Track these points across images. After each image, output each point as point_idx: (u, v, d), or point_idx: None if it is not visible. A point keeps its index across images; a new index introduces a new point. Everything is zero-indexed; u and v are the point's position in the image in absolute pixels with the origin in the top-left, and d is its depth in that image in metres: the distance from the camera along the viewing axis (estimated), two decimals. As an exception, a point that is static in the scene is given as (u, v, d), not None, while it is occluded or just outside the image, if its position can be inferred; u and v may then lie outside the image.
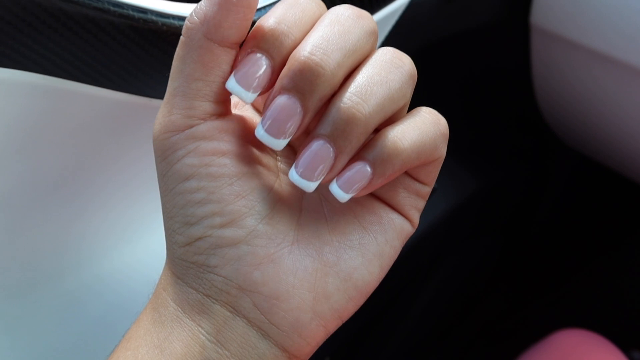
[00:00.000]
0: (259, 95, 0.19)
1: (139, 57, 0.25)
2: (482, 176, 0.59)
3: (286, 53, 0.19)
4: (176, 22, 0.24)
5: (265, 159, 0.21)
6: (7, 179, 0.26)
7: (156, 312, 0.20)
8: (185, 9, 0.25)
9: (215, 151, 0.19)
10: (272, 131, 0.18)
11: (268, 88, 0.19)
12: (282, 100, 0.18)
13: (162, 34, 0.24)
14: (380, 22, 0.35)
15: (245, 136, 0.20)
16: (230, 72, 0.19)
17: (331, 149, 0.18)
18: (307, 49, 0.18)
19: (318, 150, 0.18)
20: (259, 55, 0.18)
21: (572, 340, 0.44)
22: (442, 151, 0.20)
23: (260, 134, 0.19)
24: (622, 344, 0.46)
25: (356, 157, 0.19)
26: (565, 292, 0.79)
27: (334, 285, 0.20)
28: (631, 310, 0.73)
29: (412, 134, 0.19)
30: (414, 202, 0.21)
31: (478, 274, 0.72)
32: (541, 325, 0.60)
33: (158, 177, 0.20)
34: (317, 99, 0.18)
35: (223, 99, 0.20)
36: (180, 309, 0.20)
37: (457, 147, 0.61)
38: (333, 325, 0.20)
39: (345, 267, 0.20)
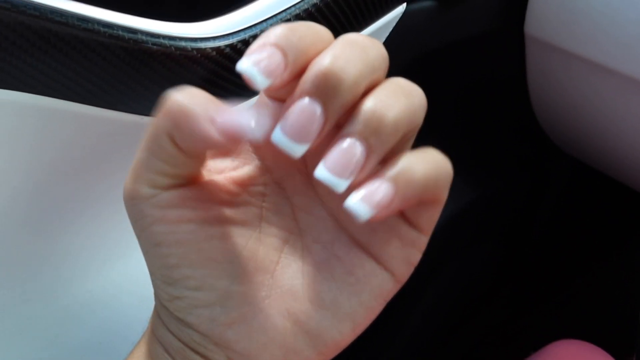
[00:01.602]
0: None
1: (130, 77, 0.25)
2: (479, 185, 0.59)
3: (303, 57, 0.18)
4: (166, 42, 0.24)
5: (242, 214, 0.21)
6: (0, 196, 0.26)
7: (147, 348, 0.22)
8: (175, 29, 0.25)
9: (181, 218, 0.19)
10: (293, 135, 0.17)
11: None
12: (304, 104, 0.17)
13: (153, 54, 0.24)
14: (375, 33, 0.35)
15: (215, 199, 0.20)
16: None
17: (362, 146, 0.17)
18: (329, 56, 0.17)
19: (349, 146, 0.17)
20: (275, 50, 0.17)
21: (570, 351, 0.44)
22: (446, 193, 0.20)
23: (279, 138, 0.17)
24: (620, 354, 0.46)
25: (375, 174, 0.18)
26: (564, 300, 0.78)
27: (304, 343, 0.20)
28: (629, 319, 0.73)
29: (426, 163, 0.19)
30: (407, 254, 0.20)
31: (478, 282, 0.72)
32: (540, 335, 0.60)
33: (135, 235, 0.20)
34: (339, 105, 0.17)
35: (187, 174, 0.19)
36: (166, 352, 0.21)
37: (454, 156, 0.61)
38: None
39: (315, 326, 0.20)
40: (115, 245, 0.33)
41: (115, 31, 0.23)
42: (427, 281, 0.61)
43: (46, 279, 0.31)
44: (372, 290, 0.20)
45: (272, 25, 0.27)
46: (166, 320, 0.21)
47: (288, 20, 0.28)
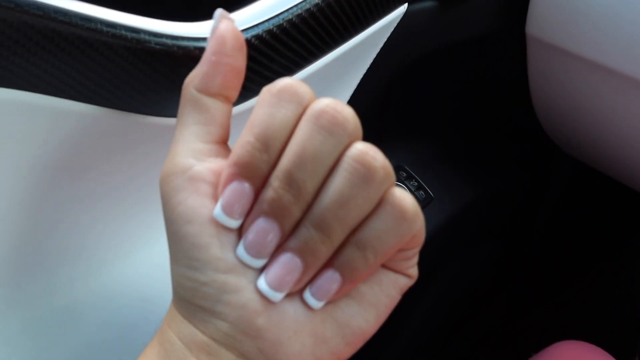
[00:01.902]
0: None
1: (132, 76, 0.25)
2: (480, 185, 0.59)
3: (266, 172, 0.19)
4: (169, 42, 0.24)
5: None
6: (1, 196, 0.26)
7: (162, 347, 0.21)
8: (177, 29, 0.25)
9: (213, 194, 0.20)
10: (252, 252, 0.20)
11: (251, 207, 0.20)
12: (261, 224, 0.19)
13: (155, 54, 0.24)
14: (376, 33, 0.35)
15: None
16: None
17: (300, 262, 0.19)
18: (283, 180, 0.19)
19: (288, 262, 0.19)
20: (240, 183, 0.19)
21: (571, 352, 0.44)
22: (414, 230, 0.20)
23: (240, 253, 0.20)
24: (621, 354, 0.46)
25: (326, 264, 0.20)
26: (565, 301, 0.78)
27: (332, 331, 0.21)
28: (631, 320, 0.73)
29: (375, 241, 0.19)
30: (405, 264, 0.22)
31: (478, 282, 0.72)
32: (541, 335, 0.60)
33: (165, 222, 0.21)
34: (293, 221, 0.19)
35: (218, 140, 0.21)
36: (187, 349, 0.20)
37: (454, 156, 0.61)
38: None
39: (342, 315, 0.21)
40: (118, 245, 0.33)
41: (118, 31, 0.23)
42: (428, 281, 0.61)
43: (48, 278, 0.31)
44: (390, 281, 0.22)
45: (274, 24, 0.27)
46: (188, 314, 0.20)
47: (290, 20, 0.28)
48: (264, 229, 0.19)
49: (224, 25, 0.21)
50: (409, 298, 0.61)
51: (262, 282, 0.20)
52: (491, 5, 0.47)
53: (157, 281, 0.34)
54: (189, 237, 0.20)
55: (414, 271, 0.22)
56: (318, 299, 0.20)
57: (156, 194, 0.32)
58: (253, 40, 0.27)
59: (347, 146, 0.19)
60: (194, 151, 0.20)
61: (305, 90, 0.20)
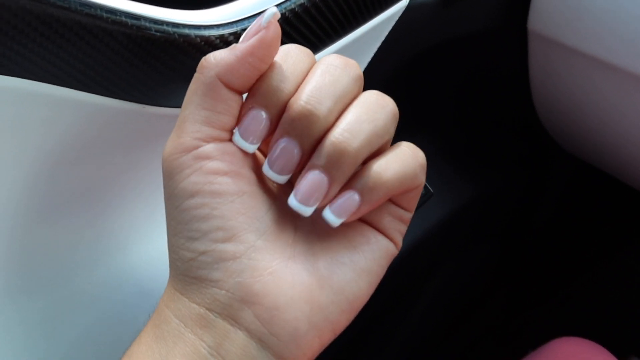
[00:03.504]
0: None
1: (132, 64, 0.24)
2: (479, 182, 0.59)
3: (282, 105, 0.21)
4: (170, 29, 0.24)
5: (264, 181, 0.23)
6: (1, 187, 0.26)
7: (158, 329, 0.21)
8: (178, 16, 0.25)
9: (218, 170, 0.21)
10: (277, 169, 0.21)
11: (269, 135, 0.22)
12: (283, 143, 0.21)
13: (156, 41, 0.24)
14: (377, 27, 0.35)
15: (247, 160, 0.22)
16: (235, 125, 0.22)
17: (325, 178, 0.21)
18: (303, 99, 0.21)
19: (314, 178, 0.21)
20: (259, 111, 0.21)
21: (569, 349, 0.44)
22: (422, 179, 0.23)
23: (267, 171, 0.22)
24: (619, 351, 0.46)
25: (346, 186, 0.22)
26: (564, 299, 0.78)
27: (329, 298, 0.22)
28: (629, 317, 0.73)
29: (394, 165, 0.22)
30: (397, 226, 0.23)
31: (476, 280, 0.72)
32: (539, 332, 0.60)
33: (165, 198, 0.22)
34: (313, 140, 0.21)
35: (228, 129, 0.22)
36: (182, 324, 0.21)
37: (454, 153, 0.61)
38: (327, 338, 0.22)
39: (338, 281, 0.22)
40: (117, 237, 0.33)
41: (118, 17, 0.23)
42: (426, 279, 0.61)
43: (47, 270, 0.30)
44: (380, 249, 0.23)
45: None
46: (184, 288, 0.21)
47: (292, 10, 0.28)
48: (286, 148, 0.21)
49: (273, 31, 0.21)
50: (406, 297, 0.61)
51: (292, 199, 0.21)
52: (493, 1, 0.46)
53: (155, 274, 0.33)
54: (190, 210, 0.21)
55: (401, 239, 0.24)
56: (337, 215, 0.22)
57: (156, 184, 0.32)
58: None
59: (354, 92, 0.22)
60: (202, 134, 0.21)
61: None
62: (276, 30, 0.21)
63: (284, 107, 0.21)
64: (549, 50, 0.49)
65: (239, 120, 0.22)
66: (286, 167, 0.21)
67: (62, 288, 0.31)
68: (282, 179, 0.22)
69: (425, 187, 0.53)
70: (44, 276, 0.30)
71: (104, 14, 0.23)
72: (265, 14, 0.21)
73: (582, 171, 0.69)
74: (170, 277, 0.22)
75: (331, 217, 0.22)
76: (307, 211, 0.21)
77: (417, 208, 0.52)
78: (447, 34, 0.46)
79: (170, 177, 0.21)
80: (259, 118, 0.21)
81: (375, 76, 0.40)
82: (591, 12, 0.44)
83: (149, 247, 0.34)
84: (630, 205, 0.75)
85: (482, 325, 0.76)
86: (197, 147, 0.21)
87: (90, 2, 0.22)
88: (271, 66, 0.21)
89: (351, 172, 0.21)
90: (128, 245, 0.33)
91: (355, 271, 0.22)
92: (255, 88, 0.21)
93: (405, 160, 0.22)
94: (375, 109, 0.21)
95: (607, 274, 0.79)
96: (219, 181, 0.21)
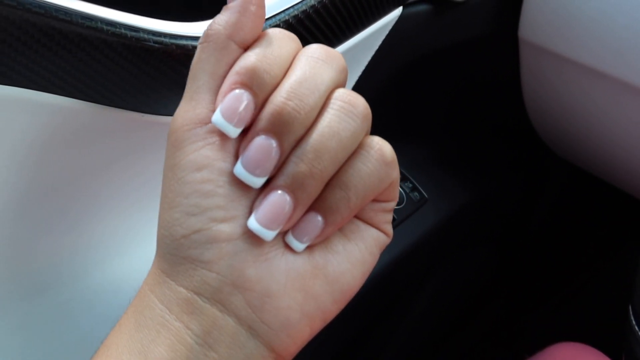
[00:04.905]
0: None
1: (131, 74, 0.25)
2: (474, 188, 0.59)
3: (267, 89, 0.20)
4: (168, 40, 0.25)
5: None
6: (0, 192, 0.27)
7: (140, 315, 0.20)
8: (176, 28, 0.25)
9: (230, 149, 0.20)
10: (250, 169, 0.20)
11: (250, 123, 0.20)
12: (260, 141, 0.20)
13: (154, 52, 0.25)
14: (371, 36, 0.36)
15: None
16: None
17: (290, 199, 0.20)
18: (284, 95, 0.19)
19: (277, 200, 0.20)
20: (242, 91, 0.20)
21: (567, 354, 0.44)
22: (393, 177, 0.21)
23: (239, 171, 0.20)
24: (617, 356, 0.46)
25: (309, 208, 0.20)
26: (560, 303, 0.79)
27: (322, 288, 0.21)
28: (625, 320, 0.74)
29: (359, 182, 0.20)
30: (383, 217, 0.23)
31: (472, 285, 0.72)
32: (536, 337, 0.60)
33: (166, 169, 0.21)
34: (293, 139, 0.20)
35: None
36: (167, 310, 0.20)
37: (448, 159, 0.62)
38: (318, 326, 0.21)
39: (332, 271, 0.21)
40: (113, 242, 0.33)
41: (118, 29, 0.24)
42: (421, 285, 0.61)
43: (45, 274, 0.31)
44: (372, 238, 0.22)
45: (270, 26, 0.28)
46: (172, 269, 0.20)
47: (287, 21, 0.28)
48: (262, 146, 0.19)
49: None
50: (403, 300, 0.61)
51: (252, 221, 0.20)
52: (484, 9, 0.47)
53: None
54: (194, 184, 0.20)
55: (390, 228, 0.23)
56: (300, 241, 0.20)
57: (153, 190, 0.32)
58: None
59: (336, 85, 0.21)
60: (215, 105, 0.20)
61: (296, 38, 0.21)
62: None
63: (268, 93, 0.20)
64: (539, 58, 0.50)
65: (218, 100, 0.20)
66: (261, 167, 0.20)
67: (59, 293, 0.31)
68: (254, 181, 0.20)
69: (419, 192, 0.54)
70: (41, 281, 0.31)
71: (104, 27, 0.23)
72: None
73: (576, 176, 0.70)
74: (156, 257, 0.21)
75: (294, 242, 0.21)
76: (268, 235, 0.20)
77: (412, 214, 0.53)
78: (439, 42, 0.47)
79: (178, 148, 0.20)
80: (242, 98, 0.20)
81: (369, 84, 0.40)
82: (580, 21, 0.44)
83: (145, 252, 0.34)
84: (623, 209, 0.76)
85: (479, 330, 0.76)
86: (210, 119, 0.20)
87: (91, 15, 0.23)
88: (255, 47, 0.20)
89: (318, 193, 0.20)
90: (124, 251, 0.34)
91: (350, 261, 0.22)
92: (239, 67, 0.20)
93: (371, 171, 0.21)
94: (342, 118, 0.20)
95: (603, 278, 0.79)
96: (230, 160, 0.20)
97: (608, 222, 0.81)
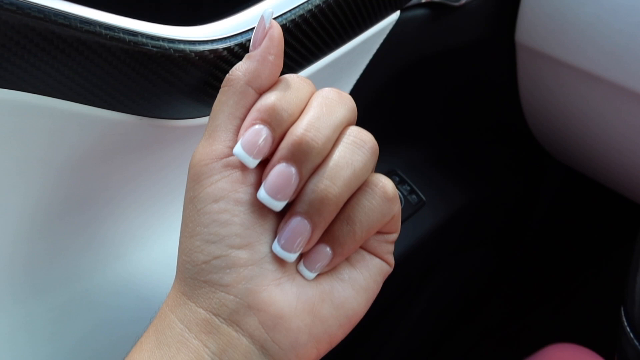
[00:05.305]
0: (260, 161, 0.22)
1: (130, 78, 0.25)
2: (472, 190, 0.60)
3: (285, 126, 0.22)
4: (166, 45, 0.25)
5: None
6: (1, 195, 0.27)
7: (161, 334, 0.22)
8: (174, 32, 0.26)
9: (244, 181, 0.22)
10: (272, 194, 0.22)
11: (269, 154, 0.22)
12: (281, 168, 0.22)
13: (152, 56, 0.25)
14: (369, 39, 0.36)
15: None
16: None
17: (308, 224, 0.22)
18: (303, 127, 0.22)
19: (297, 225, 0.22)
20: (262, 126, 0.22)
21: (563, 355, 0.44)
22: (394, 211, 0.23)
23: (262, 195, 0.22)
24: (611, 356, 0.46)
25: (318, 240, 0.23)
26: (557, 305, 0.79)
27: (329, 312, 0.23)
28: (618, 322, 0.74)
29: (362, 216, 0.22)
30: (385, 248, 0.25)
31: (469, 287, 0.72)
32: (533, 339, 0.60)
33: (186, 200, 0.23)
34: (310, 167, 0.22)
35: None
36: (187, 329, 0.22)
37: (445, 161, 0.62)
38: (324, 349, 0.23)
39: (338, 297, 0.23)
40: (113, 245, 0.33)
41: (116, 33, 0.24)
42: (419, 287, 0.61)
43: (44, 277, 0.31)
44: (376, 266, 0.24)
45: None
46: (192, 292, 0.22)
47: (284, 25, 0.29)
48: (283, 172, 0.21)
49: (277, 27, 0.23)
50: (401, 303, 0.61)
51: (276, 246, 0.22)
52: (481, 14, 0.47)
53: (153, 280, 0.34)
54: (212, 214, 0.22)
55: (392, 258, 0.25)
56: (311, 270, 0.23)
57: (153, 192, 0.32)
58: (248, 44, 0.27)
59: (348, 122, 0.23)
60: (234, 142, 0.22)
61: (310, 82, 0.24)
62: (278, 26, 0.23)
63: (285, 129, 0.22)
64: (536, 62, 0.50)
65: (240, 134, 0.22)
66: (282, 192, 0.22)
67: (62, 293, 0.32)
68: (276, 205, 0.22)
69: (417, 195, 0.54)
70: (45, 282, 0.31)
71: (103, 31, 0.24)
72: (265, 16, 0.23)
73: (573, 178, 0.70)
74: (176, 281, 0.23)
75: (305, 271, 0.23)
76: (290, 257, 0.22)
77: (410, 217, 0.53)
78: (437, 46, 0.47)
79: (197, 181, 0.22)
80: (262, 133, 0.22)
81: (367, 87, 0.40)
82: (575, 25, 0.45)
83: (146, 254, 0.34)
84: (620, 211, 0.76)
85: (476, 331, 0.76)
86: (229, 155, 0.22)
87: (89, 19, 0.23)
88: (274, 89, 0.23)
89: (333, 216, 0.22)
90: (126, 253, 0.34)
91: (354, 288, 0.23)
92: (259, 105, 0.22)
93: (374, 207, 0.23)
94: (354, 150, 0.22)
95: (600, 280, 0.80)
96: (244, 190, 0.22)
97: (604, 224, 0.81)
